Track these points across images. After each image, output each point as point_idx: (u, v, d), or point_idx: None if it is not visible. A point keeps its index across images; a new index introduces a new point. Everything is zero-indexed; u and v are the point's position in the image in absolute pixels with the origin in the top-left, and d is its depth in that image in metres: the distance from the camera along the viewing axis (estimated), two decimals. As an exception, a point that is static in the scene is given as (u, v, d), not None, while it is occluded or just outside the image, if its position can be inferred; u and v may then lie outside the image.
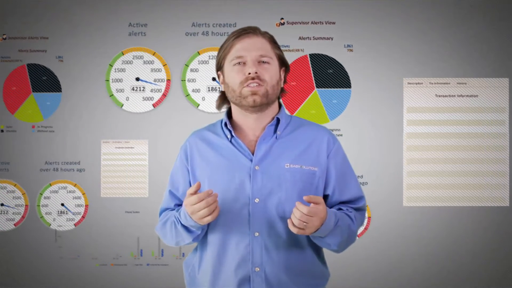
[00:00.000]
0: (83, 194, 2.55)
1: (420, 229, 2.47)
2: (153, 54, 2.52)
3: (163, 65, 2.52)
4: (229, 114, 1.39)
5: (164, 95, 2.53)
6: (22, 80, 2.60)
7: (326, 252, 1.40)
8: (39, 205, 2.56)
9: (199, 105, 2.52)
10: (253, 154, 1.32)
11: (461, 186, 2.45)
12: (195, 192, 1.21)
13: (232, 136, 1.34)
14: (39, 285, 2.55)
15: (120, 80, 2.54)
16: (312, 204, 1.19)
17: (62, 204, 2.55)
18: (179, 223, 1.32)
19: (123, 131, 2.54)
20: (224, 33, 2.50)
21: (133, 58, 2.53)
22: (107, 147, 2.56)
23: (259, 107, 1.30)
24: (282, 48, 2.36)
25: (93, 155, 2.55)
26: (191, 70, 2.51)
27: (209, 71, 2.51)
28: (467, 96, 2.46)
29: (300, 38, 2.46)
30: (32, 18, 2.58)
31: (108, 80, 2.54)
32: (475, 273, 2.47)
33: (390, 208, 2.47)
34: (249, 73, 1.27)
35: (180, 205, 1.42)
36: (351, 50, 2.45)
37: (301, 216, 1.18)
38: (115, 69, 2.53)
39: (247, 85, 1.28)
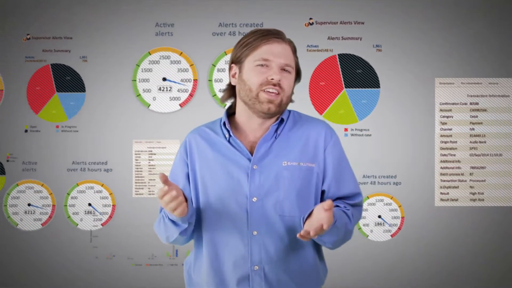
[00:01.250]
0: (110, 194, 2.56)
1: (452, 229, 2.47)
2: (180, 54, 2.53)
3: (190, 65, 2.52)
4: (228, 110, 1.39)
5: (191, 95, 2.53)
6: (46, 80, 2.60)
7: (327, 251, 1.40)
8: (66, 205, 2.57)
9: (226, 105, 2.51)
10: (251, 154, 1.31)
11: (493, 186, 2.46)
12: (164, 181, 1.18)
13: (230, 136, 1.34)
14: (71, 285, 2.55)
15: (147, 80, 2.54)
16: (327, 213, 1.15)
17: (89, 204, 2.56)
18: (166, 217, 1.32)
19: (151, 131, 2.54)
20: (251, 33, 2.50)
21: (160, 58, 2.53)
22: (139, 147, 2.56)
23: (271, 115, 1.30)
24: (311, 48, 2.44)
25: (121, 155, 2.55)
26: (218, 70, 2.51)
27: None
28: (499, 96, 2.47)
29: (329, 38, 2.47)
30: (56, 18, 2.57)
31: (135, 80, 2.54)
32: (509, 273, 2.48)
33: (422, 208, 2.47)
34: (272, 79, 1.26)
35: None
36: (380, 50, 2.46)
37: (315, 231, 1.15)
38: (142, 69, 2.53)
39: (266, 91, 1.27)
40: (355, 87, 2.48)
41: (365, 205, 2.48)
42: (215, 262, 1.32)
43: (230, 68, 1.37)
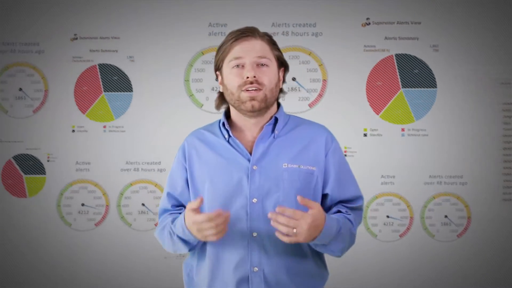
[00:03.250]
0: (164, 194, 2.57)
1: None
2: (233, 54, 2.53)
3: (243, 65, 2.53)
4: (227, 113, 1.39)
5: (244, 95, 2.54)
6: (93, 80, 2.60)
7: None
8: (119, 205, 2.58)
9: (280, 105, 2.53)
10: (251, 154, 1.32)
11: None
12: (198, 207, 1.19)
13: (229, 136, 1.34)
14: (124, 285, 2.55)
15: (200, 80, 2.54)
16: (296, 210, 1.17)
17: (143, 204, 2.57)
18: (174, 234, 1.31)
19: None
20: (304, 33, 2.51)
21: (213, 58, 2.51)
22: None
23: (258, 111, 1.30)
24: (368, 48, 2.44)
25: (174, 155, 2.54)
26: (270, 70, 2.52)
27: (290, 71, 2.48)
28: None
29: (385, 38, 2.48)
30: (103, 18, 2.58)
31: (187, 80, 2.54)
32: None
33: (489, 207, 2.47)
34: (247, 77, 1.27)
35: (177, 206, 1.41)
36: (437, 50, 2.46)
37: (287, 221, 1.16)
38: (195, 69, 2.54)
39: (246, 90, 1.28)
40: (412, 87, 2.49)
41: (430, 205, 2.50)
42: (216, 263, 1.32)
43: (216, 76, 1.39)
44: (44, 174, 2.59)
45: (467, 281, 2.46)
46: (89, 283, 2.56)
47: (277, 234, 1.19)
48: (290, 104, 2.52)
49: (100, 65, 2.59)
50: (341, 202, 1.36)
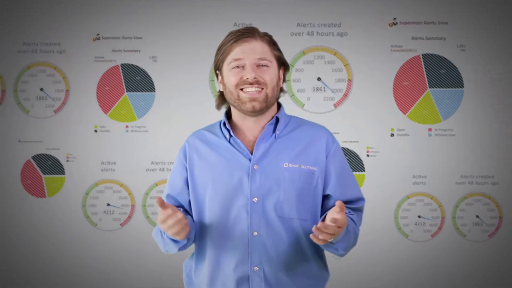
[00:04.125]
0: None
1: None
2: (258, 54, 2.52)
3: (268, 65, 2.52)
4: (228, 113, 1.40)
5: (270, 95, 2.53)
6: (115, 80, 2.60)
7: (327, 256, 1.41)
8: (145, 205, 2.57)
9: (304, 105, 2.53)
10: (251, 154, 1.32)
11: None
12: (160, 205, 1.19)
13: (230, 136, 1.34)
14: (151, 285, 2.54)
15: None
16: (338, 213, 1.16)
17: (168, 204, 2.57)
18: (164, 233, 1.31)
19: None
20: (329, 33, 2.51)
21: (238, 58, 2.52)
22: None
23: (259, 111, 1.31)
24: (395, 48, 2.44)
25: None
26: (296, 70, 2.52)
27: (314, 71, 2.52)
28: None
29: (412, 38, 2.47)
30: (126, 18, 2.57)
31: (213, 80, 2.54)
32: None
33: None
34: (247, 78, 1.27)
35: (176, 206, 1.39)
36: (464, 50, 2.46)
37: (334, 230, 1.16)
38: (219, 69, 2.53)
39: (245, 90, 1.28)
40: (439, 87, 2.49)
41: (462, 205, 2.50)
42: (216, 262, 1.32)
43: (216, 76, 1.39)
44: (64, 174, 2.58)
45: (498, 281, 2.46)
46: (114, 282, 2.56)
47: (313, 238, 1.18)
48: (315, 104, 2.52)
49: (122, 65, 2.58)
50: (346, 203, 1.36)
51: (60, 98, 2.61)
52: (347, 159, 2.49)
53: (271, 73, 1.30)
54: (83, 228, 2.58)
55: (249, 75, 1.27)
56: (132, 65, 2.58)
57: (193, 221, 1.37)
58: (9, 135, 2.60)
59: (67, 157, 2.60)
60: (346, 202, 1.35)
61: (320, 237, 1.16)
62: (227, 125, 1.34)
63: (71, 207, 2.59)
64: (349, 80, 2.51)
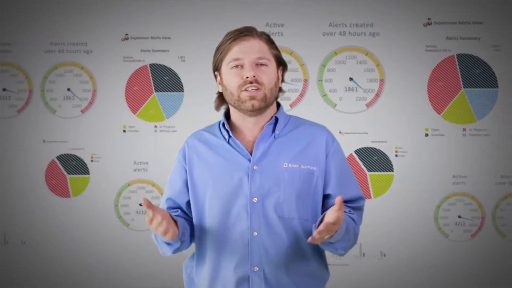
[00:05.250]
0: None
1: None
2: (290, 54, 2.52)
3: (300, 65, 2.52)
4: (227, 114, 1.39)
5: (301, 95, 2.53)
6: (144, 80, 2.60)
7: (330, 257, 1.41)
8: (177, 205, 2.57)
9: (336, 105, 2.53)
10: (251, 154, 1.32)
11: None
12: (147, 207, 1.18)
13: (229, 136, 1.34)
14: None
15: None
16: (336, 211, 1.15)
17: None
18: (157, 235, 1.31)
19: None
20: (361, 33, 2.51)
21: (269, 59, 2.52)
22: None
23: (258, 110, 1.30)
24: (429, 48, 2.44)
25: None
26: (328, 70, 2.52)
27: (346, 71, 2.52)
28: None
29: (447, 38, 2.48)
30: (154, 18, 2.57)
31: (244, 80, 2.54)
32: None
33: None
34: (247, 77, 1.27)
35: (173, 208, 1.40)
36: (498, 50, 2.46)
37: (330, 228, 1.15)
38: (252, 69, 2.53)
39: (245, 89, 1.28)
40: (473, 87, 2.49)
41: (502, 205, 2.48)
42: (216, 263, 1.32)
43: (215, 77, 1.39)
44: (88, 174, 2.57)
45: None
46: (148, 282, 2.55)
47: (311, 240, 1.18)
48: (347, 104, 2.52)
49: (151, 65, 2.58)
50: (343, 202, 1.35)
51: (87, 98, 2.61)
52: (375, 159, 2.51)
53: (269, 73, 1.30)
54: (116, 228, 2.56)
55: (248, 73, 1.27)
56: (161, 65, 2.58)
57: (191, 223, 1.36)
58: (35, 135, 2.60)
59: (91, 157, 2.59)
60: (346, 201, 1.34)
61: (316, 237, 1.17)
62: (226, 126, 1.34)
63: (97, 207, 2.57)
64: (381, 80, 2.51)
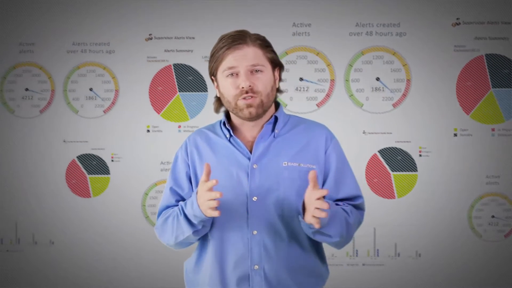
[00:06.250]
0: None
1: None
2: (317, 54, 2.52)
3: (327, 65, 2.52)
4: (228, 113, 1.40)
5: (328, 95, 2.53)
6: (168, 80, 2.59)
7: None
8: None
9: (363, 105, 2.53)
10: (251, 153, 1.33)
11: None
12: (207, 175, 1.21)
13: (230, 135, 1.35)
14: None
15: (284, 80, 2.52)
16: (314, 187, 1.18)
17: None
18: (182, 213, 1.30)
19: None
20: (388, 33, 2.51)
21: (296, 58, 2.52)
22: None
23: (256, 117, 1.32)
24: (458, 48, 2.44)
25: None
26: (355, 70, 2.52)
27: (373, 71, 2.51)
28: None
29: (476, 38, 2.48)
30: (178, 18, 2.57)
31: (270, 80, 2.53)
32: None
33: None
34: (243, 87, 1.28)
35: (183, 200, 1.39)
36: (528, 50, 2.47)
37: (320, 204, 1.16)
38: (279, 69, 2.53)
39: (242, 98, 1.29)
40: (502, 87, 2.49)
41: None
42: (216, 261, 1.32)
43: (212, 81, 1.39)
44: (109, 174, 2.57)
45: None
46: (179, 284, 2.53)
47: (309, 220, 1.19)
48: (374, 104, 2.51)
49: (175, 65, 2.58)
50: (339, 200, 1.36)
51: (110, 98, 2.60)
52: (399, 159, 2.51)
53: (265, 79, 1.31)
54: (140, 228, 2.55)
55: (243, 83, 1.28)
56: (185, 65, 2.57)
57: None
58: (56, 135, 2.59)
59: (112, 157, 2.58)
60: (343, 200, 1.35)
61: (313, 220, 1.17)
62: (227, 125, 1.36)
63: (120, 207, 2.56)
64: (408, 80, 2.50)
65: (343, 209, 1.32)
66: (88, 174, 2.59)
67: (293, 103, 2.53)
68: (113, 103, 2.60)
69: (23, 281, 2.59)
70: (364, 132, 2.51)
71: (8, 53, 2.61)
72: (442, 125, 2.49)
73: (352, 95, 2.52)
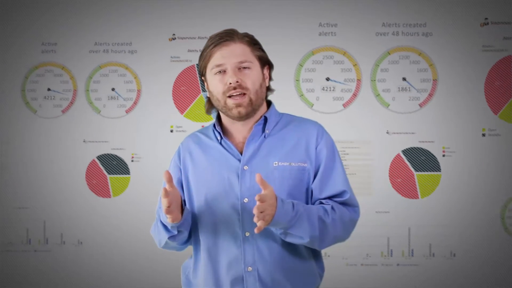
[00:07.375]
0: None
1: None
2: (343, 54, 2.52)
3: (353, 65, 2.52)
4: (219, 115, 1.40)
5: (354, 95, 2.52)
6: (191, 80, 2.59)
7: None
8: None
9: (389, 105, 2.52)
10: (241, 155, 1.32)
11: None
12: (168, 186, 1.20)
13: (221, 138, 1.35)
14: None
15: (310, 80, 2.53)
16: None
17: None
18: (159, 219, 1.32)
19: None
20: (414, 33, 2.51)
21: (323, 58, 2.52)
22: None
23: (246, 116, 1.31)
24: (486, 49, 2.44)
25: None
26: (382, 70, 2.51)
27: (399, 71, 2.51)
28: None
29: (504, 38, 2.47)
30: (202, 18, 2.56)
31: (298, 80, 2.53)
32: None
33: None
34: (230, 83, 1.28)
35: None
36: (556, 50, 2.47)
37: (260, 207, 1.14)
38: (305, 69, 2.52)
39: (231, 96, 1.29)
40: (530, 87, 2.50)
41: None
42: (210, 264, 1.32)
43: (203, 82, 1.40)
44: (129, 174, 2.56)
45: None
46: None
47: (257, 221, 1.16)
48: (401, 104, 2.51)
49: (198, 65, 2.56)
50: (328, 198, 1.33)
51: (132, 98, 2.59)
52: (423, 159, 2.50)
53: (253, 76, 1.30)
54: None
55: (231, 79, 1.27)
56: (208, 65, 2.56)
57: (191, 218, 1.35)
58: (78, 135, 2.59)
59: (132, 157, 2.57)
60: (330, 197, 1.32)
61: (258, 221, 1.14)
62: (217, 128, 1.35)
63: (141, 207, 2.54)
64: (434, 80, 2.50)
65: (323, 208, 1.28)
66: (108, 174, 2.58)
67: (320, 103, 2.52)
68: (135, 103, 2.59)
69: (50, 282, 2.58)
70: (388, 132, 2.51)
71: (31, 53, 2.61)
72: (469, 125, 2.49)
73: (378, 95, 2.52)
